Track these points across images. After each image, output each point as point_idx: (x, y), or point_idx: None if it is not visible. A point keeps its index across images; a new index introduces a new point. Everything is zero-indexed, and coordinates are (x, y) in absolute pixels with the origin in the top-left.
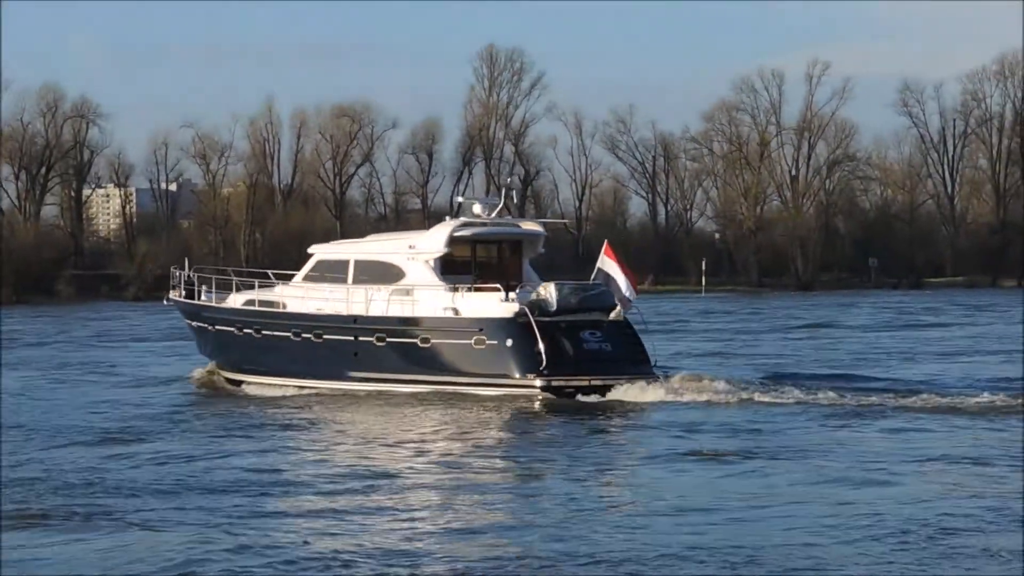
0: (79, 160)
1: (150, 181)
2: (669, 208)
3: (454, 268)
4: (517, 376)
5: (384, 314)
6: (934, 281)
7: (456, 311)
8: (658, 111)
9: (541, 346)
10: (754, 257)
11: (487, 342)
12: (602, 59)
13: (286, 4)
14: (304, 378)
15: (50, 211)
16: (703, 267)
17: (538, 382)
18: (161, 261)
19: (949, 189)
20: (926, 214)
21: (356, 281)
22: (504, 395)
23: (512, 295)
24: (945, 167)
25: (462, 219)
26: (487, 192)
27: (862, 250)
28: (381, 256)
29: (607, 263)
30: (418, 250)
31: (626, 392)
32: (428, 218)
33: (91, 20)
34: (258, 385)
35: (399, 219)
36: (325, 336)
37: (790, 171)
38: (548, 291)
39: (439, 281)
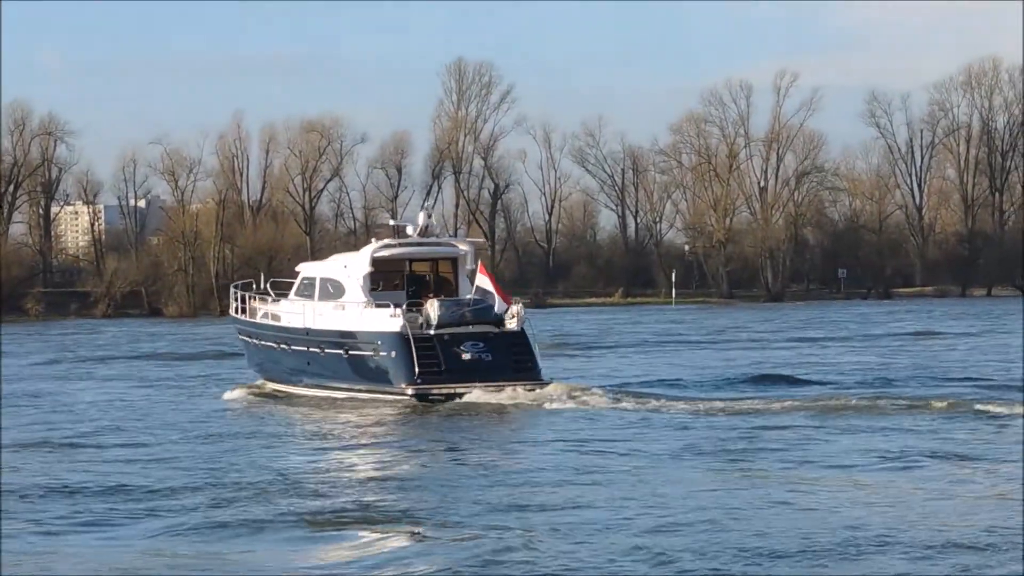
0: (47, 177)
1: (118, 198)
2: (639, 221)
3: (391, 284)
4: (398, 385)
5: (325, 327)
6: (903, 291)
7: (364, 326)
8: (627, 123)
9: (415, 357)
10: (724, 269)
11: (380, 354)
12: (571, 71)
13: (254, 18)
14: (282, 383)
15: (18, 229)
16: (673, 279)
17: (410, 390)
18: (130, 278)
19: (917, 199)
20: (894, 224)
21: (320, 297)
22: (388, 401)
23: (398, 311)
24: (913, 177)
25: (385, 240)
26: (456, 206)
27: (831, 261)
28: (331, 274)
29: (482, 280)
30: (350, 269)
31: (478, 397)
32: (397, 233)
33: (58, 35)
34: (274, 390)
35: (369, 234)
36: (292, 347)
37: (759, 182)
38: (432, 308)
39: (365, 297)
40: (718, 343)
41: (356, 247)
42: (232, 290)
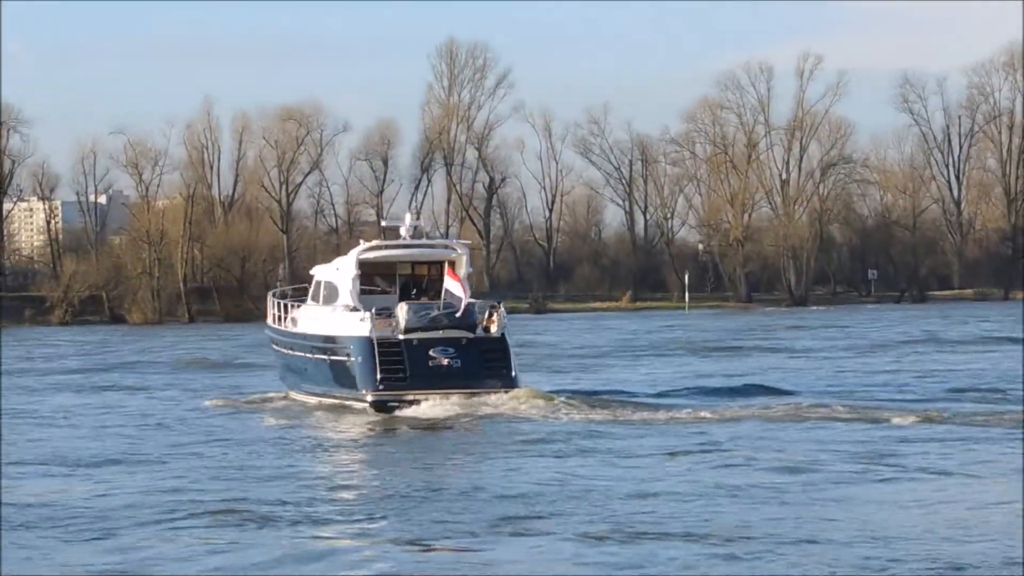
0: None
1: (77, 193)
2: (648, 217)
3: (383, 287)
4: (361, 391)
5: (313, 332)
6: (940, 294)
7: (340, 331)
8: (635, 111)
9: (377, 363)
10: (742, 270)
11: (351, 359)
12: (573, 54)
13: None
14: (293, 390)
15: None
16: (686, 281)
17: (369, 397)
18: (90, 281)
19: (955, 193)
20: (930, 220)
21: (324, 301)
22: (357, 410)
23: (365, 315)
24: (950, 168)
25: (374, 242)
26: (448, 201)
27: (860, 261)
28: (329, 278)
29: (450, 283)
30: (341, 272)
31: (431, 407)
32: (382, 232)
33: (10, 18)
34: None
35: (352, 233)
36: (296, 352)
37: (780, 174)
38: (400, 311)
39: (353, 301)
40: (750, 351)
41: (338, 247)
42: (270, 298)
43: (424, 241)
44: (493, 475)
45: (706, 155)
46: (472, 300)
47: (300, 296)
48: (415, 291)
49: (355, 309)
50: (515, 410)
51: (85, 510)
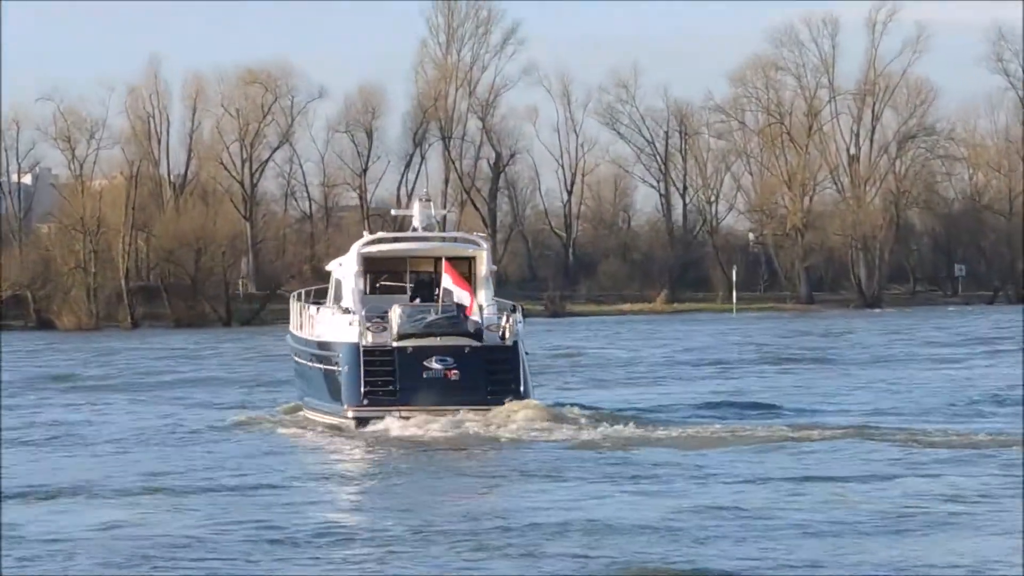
0: None
1: None
2: (688, 201)
3: (392, 286)
4: (342, 405)
5: (310, 338)
6: None
7: (330, 336)
8: (672, 72)
9: (362, 373)
10: (802, 264)
11: (338, 369)
12: (596, 3)
13: None
14: (305, 407)
15: None
16: (733, 278)
17: (350, 413)
18: (12, 278)
19: None
20: None
21: (334, 303)
22: (334, 424)
23: (353, 319)
24: None
25: (379, 234)
26: (446, 182)
27: (944, 253)
28: (337, 275)
29: (448, 280)
30: (344, 269)
31: (401, 426)
32: (366, 218)
33: None
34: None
35: (328, 219)
36: (300, 360)
37: (848, 149)
38: (393, 315)
39: (354, 302)
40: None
41: (312, 236)
42: (292, 300)
43: (438, 233)
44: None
45: (758, 126)
46: (489, 303)
47: (321, 298)
48: (424, 292)
49: (346, 311)
50: (508, 429)
51: None
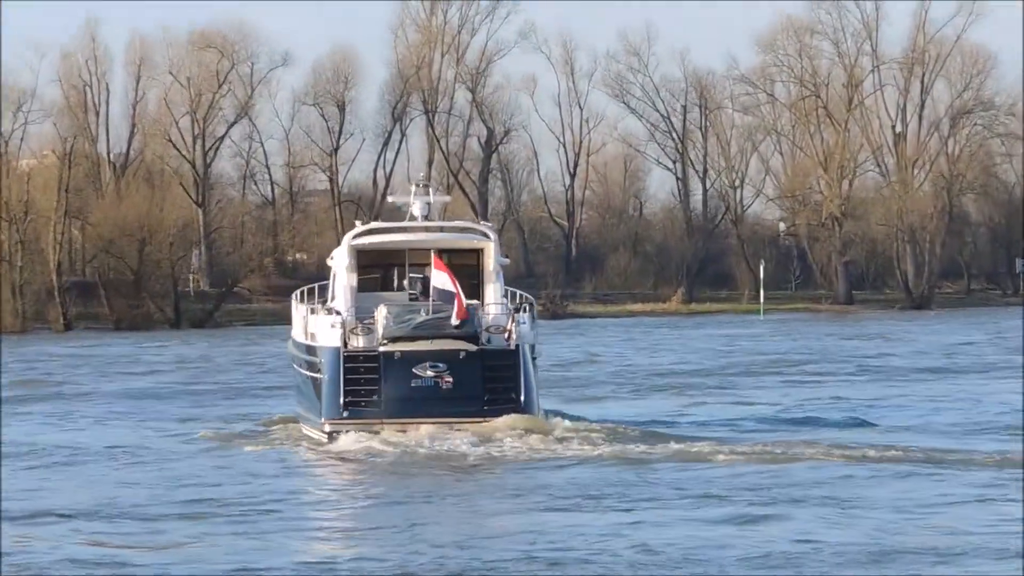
0: None
1: None
2: (709, 185)
3: (389, 283)
4: (320, 417)
5: (299, 341)
6: None
7: (313, 339)
8: (691, 37)
9: (342, 382)
10: (840, 259)
11: (320, 375)
12: None
13: None
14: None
15: None
16: (761, 275)
17: (327, 427)
18: None
19: None
20: None
21: (331, 301)
22: (312, 438)
23: (338, 318)
24: None
25: (371, 224)
26: (430, 163)
27: (1004, 246)
28: (334, 270)
29: (440, 277)
30: (336, 263)
31: (356, 439)
32: (337, 204)
33: None
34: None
35: (293, 206)
36: (295, 367)
37: (893, 127)
38: (380, 314)
39: (347, 299)
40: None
41: (275, 224)
42: (293, 301)
43: (440, 223)
44: None
45: (790, 99)
46: (499, 301)
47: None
48: (424, 288)
49: (330, 311)
50: (494, 443)
51: None
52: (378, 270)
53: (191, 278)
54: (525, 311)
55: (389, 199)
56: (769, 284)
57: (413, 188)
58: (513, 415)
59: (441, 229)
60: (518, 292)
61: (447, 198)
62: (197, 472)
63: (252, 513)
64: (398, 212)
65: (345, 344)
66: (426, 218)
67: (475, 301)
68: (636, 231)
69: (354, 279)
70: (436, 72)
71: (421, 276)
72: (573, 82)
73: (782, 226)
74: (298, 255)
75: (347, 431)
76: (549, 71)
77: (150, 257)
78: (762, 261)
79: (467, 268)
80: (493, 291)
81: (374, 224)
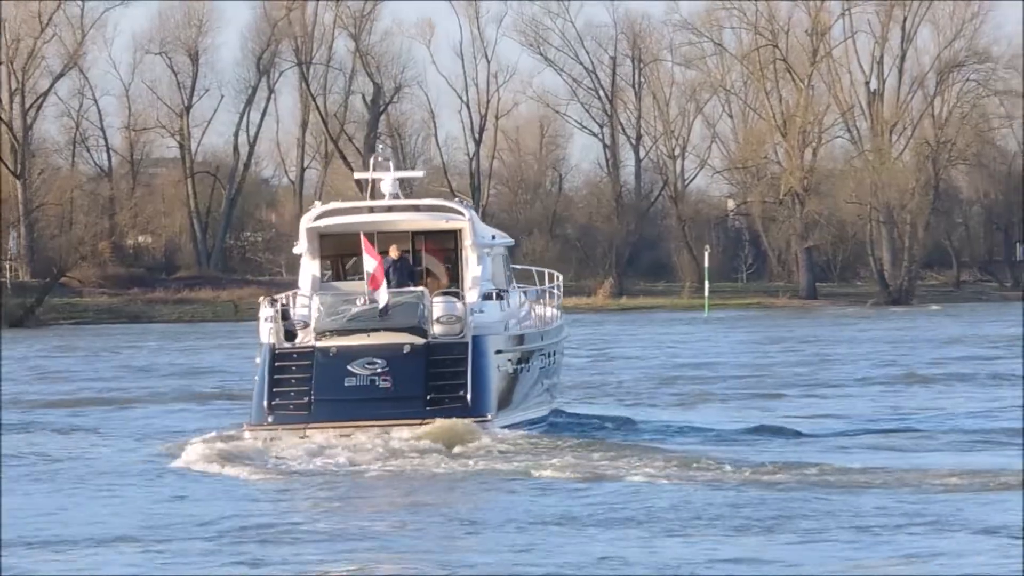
0: None
1: None
2: (643, 155)
3: (356, 269)
4: (250, 422)
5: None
6: None
7: (261, 334)
8: None
9: (266, 383)
10: (801, 244)
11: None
12: None
13: None
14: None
15: None
16: (706, 264)
17: (247, 433)
18: None
19: None
20: None
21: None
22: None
23: (270, 311)
24: None
25: (332, 204)
26: (303, 126)
27: (1001, 228)
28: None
29: (371, 262)
30: (298, 247)
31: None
32: (190, 176)
33: None
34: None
35: (136, 178)
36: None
37: (867, 83)
38: (311, 305)
39: (307, 289)
40: None
41: (112, 200)
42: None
43: (407, 201)
44: None
45: (741, 50)
46: (482, 285)
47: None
48: (414, 276)
49: (274, 302)
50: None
51: None
52: (348, 258)
53: (7, 266)
54: (524, 295)
55: (356, 176)
56: (715, 275)
57: (372, 162)
58: (440, 420)
59: (416, 208)
60: (546, 271)
61: (420, 174)
62: None
63: None
64: (266, 185)
65: (276, 341)
66: (395, 197)
67: (454, 288)
68: (554, 210)
69: (316, 267)
70: (311, 15)
71: (393, 262)
72: (479, 28)
73: (731, 204)
74: (140, 238)
75: (271, 437)
76: (449, 15)
77: None
78: (707, 247)
79: (445, 252)
80: (473, 274)
81: (334, 204)
